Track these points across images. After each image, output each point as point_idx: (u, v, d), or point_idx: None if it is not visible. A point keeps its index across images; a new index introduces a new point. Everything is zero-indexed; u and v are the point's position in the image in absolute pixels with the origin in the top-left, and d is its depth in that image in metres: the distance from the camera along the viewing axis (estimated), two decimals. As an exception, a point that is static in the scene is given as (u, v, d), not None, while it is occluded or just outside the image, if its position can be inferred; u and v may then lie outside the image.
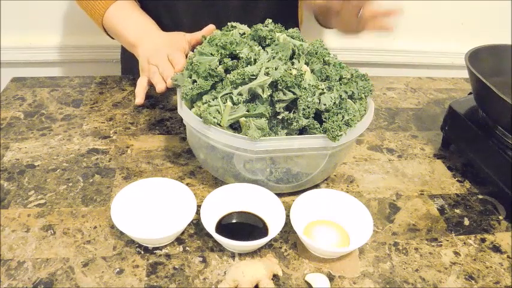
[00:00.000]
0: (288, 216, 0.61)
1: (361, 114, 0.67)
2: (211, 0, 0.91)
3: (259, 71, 0.61)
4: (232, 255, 0.59)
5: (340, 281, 0.57)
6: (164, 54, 0.77)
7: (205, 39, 0.71)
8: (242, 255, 0.60)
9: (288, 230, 0.63)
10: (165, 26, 0.95)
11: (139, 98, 0.76)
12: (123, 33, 0.85)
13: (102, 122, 0.84)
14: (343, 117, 0.62)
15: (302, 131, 0.64)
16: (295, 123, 0.61)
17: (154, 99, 0.92)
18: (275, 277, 0.57)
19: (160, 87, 0.74)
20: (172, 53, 0.76)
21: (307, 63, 0.68)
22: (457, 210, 0.71)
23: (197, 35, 0.81)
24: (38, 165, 0.72)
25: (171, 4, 0.93)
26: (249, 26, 0.74)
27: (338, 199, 0.65)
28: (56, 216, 0.63)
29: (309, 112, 0.61)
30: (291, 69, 0.63)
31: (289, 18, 1.02)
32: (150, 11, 0.94)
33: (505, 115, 0.69)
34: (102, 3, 0.86)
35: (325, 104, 0.62)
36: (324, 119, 0.63)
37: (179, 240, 0.61)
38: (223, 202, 0.64)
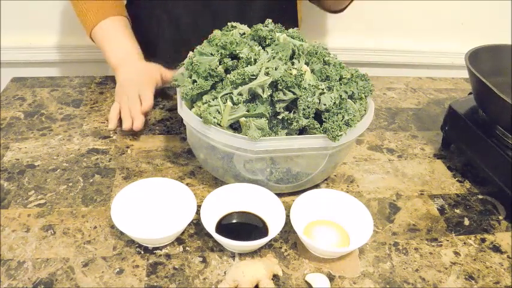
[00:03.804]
0: (288, 216, 0.61)
1: (361, 114, 0.67)
2: (210, 0, 0.92)
3: (259, 71, 0.61)
4: (232, 255, 0.59)
5: (340, 281, 0.57)
6: (135, 88, 0.82)
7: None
8: (242, 255, 0.60)
9: (288, 230, 0.63)
10: (164, 26, 0.95)
11: (113, 124, 0.80)
12: (106, 54, 0.89)
13: (102, 122, 0.84)
14: (343, 117, 0.62)
15: (302, 131, 0.64)
16: (295, 123, 0.61)
17: (154, 99, 0.92)
18: (275, 277, 0.57)
19: (126, 125, 0.78)
20: (142, 89, 0.81)
21: (307, 63, 0.68)
22: (457, 210, 0.71)
23: (171, 73, 0.87)
24: (38, 165, 0.72)
25: (169, 4, 0.93)
26: (248, 26, 0.74)
27: (338, 199, 0.65)
28: (56, 216, 0.63)
29: (309, 112, 0.61)
30: (291, 69, 0.63)
31: (287, 18, 1.03)
32: (148, 12, 0.94)
33: (505, 115, 0.69)
34: (92, 19, 0.88)
35: (325, 104, 0.62)
36: (324, 119, 0.63)
37: (179, 240, 0.61)
38: (223, 202, 0.64)
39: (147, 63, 0.89)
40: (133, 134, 0.81)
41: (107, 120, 0.85)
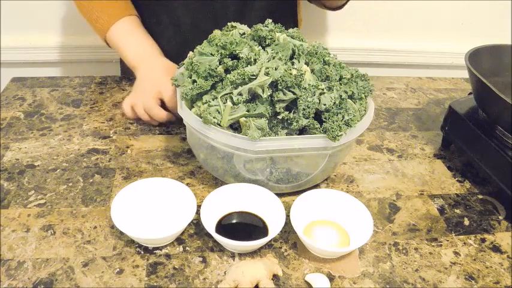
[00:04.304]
0: (288, 216, 0.61)
1: (361, 114, 0.67)
2: (210, 0, 0.92)
3: (259, 71, 0.61)
4: (232, 255, 0.59)
5: (340, 281, 0.57)
6: (155, 88, 0.81)
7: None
8: (242, 255, 0.60)
9: (288, 230, 0.63)
10: (164, 26, 0.95)
11: (130, 115, 0.83)
12: (124, 54, 0.88)
13: (102, 122, 0.84)
14: (343, 117, 0.62)
15: (302, 131, 0.64)
16: (295, 123, 0.61)
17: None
18: (275, 277, 0.57)
19: (145, 119, 0.82)
20: (164, 89, 0.81)
21: (307, 63, 0.68)
22: (457, 210, 0.71)
23: None
24: (38, 165, 0.72)
25: (170, 4, 0.93)
26: (248, 26, 0.74)
27: (338, 199, 0.65)
28: (56, 216, 0.63)
29: (309, 112, 0.61)
30: (291, 69, 0.63)
31: (288, 18, 1.02)
32: (149, 11, 0.94)
33: (505, 115, 0.69)
34: (105, 21, 0.87)
35: (325, 104, 0.62)
36: (324, 119, 0.63)
37: (179, 240, 0.61)
38: (223, 202, 0.64)
39: (168, 61, 0.87)
40: (133, 134, 0.81)
41: (107, 121, 0.85)
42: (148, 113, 0.81)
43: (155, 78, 0.82)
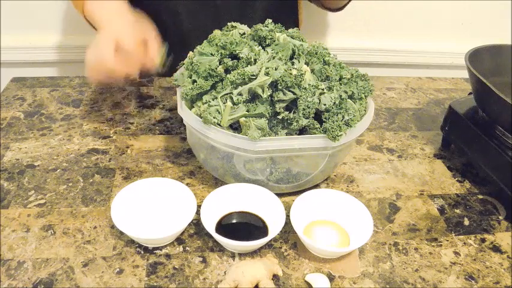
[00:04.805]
0: (288, 216, 0.61)
1: (361, 114, 0.67)
2: (211, 0, 0.92)
3: (259, 71, 0.61)
4: (232, 255, 0.59)
5: (340, 281, 0.57)
6: (111, 37, 0.72)
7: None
8: (242, 255, 0.60)
9: (288, 230, 0.63)
10: (165, 26, 0.95)
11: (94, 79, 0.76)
12: (96, 16, 0.80)
13: (102, 122, 0.84)
14: (343, 117, 0.62)
15: (302, 131, 0.64)
16: (295, 123, 0.61)
17: (154, 99, 0.92)
18: (275, 277, 0.57)
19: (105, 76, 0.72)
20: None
21: (307, 63, 0.68)
22: (457, 210, 0.71)
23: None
24: (38, 165, 0.72)
25: (171, 4, 0.93)
26: (249, 26, 0.74)
27: (338, 199, 0.65)
28: (56, 216, 0.63)
29: (309, 112, 0.61)
30: (291, 69, 0.63)
31: (289, 18, 1.03)
32: (150, 11, 0.94)
33: (505, 115, 0.69)
34: None
35: (325, 104, 0.62)
36: (324, 119, 0.63)
37: (179, 240, 0.61)
38: (223, 202, 0.64)
39: (138, 18, 0.80)
40: (133, 134, 0.81)
41: (107, 120, 0.85)
42: (102, 65, 0.71)
43: (113, 29, 0.74)
